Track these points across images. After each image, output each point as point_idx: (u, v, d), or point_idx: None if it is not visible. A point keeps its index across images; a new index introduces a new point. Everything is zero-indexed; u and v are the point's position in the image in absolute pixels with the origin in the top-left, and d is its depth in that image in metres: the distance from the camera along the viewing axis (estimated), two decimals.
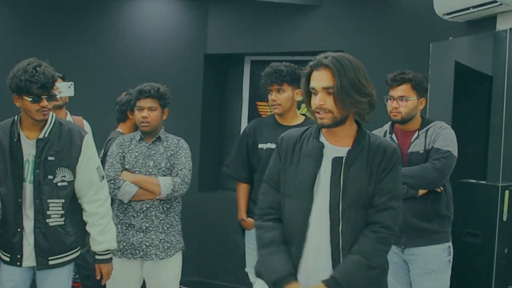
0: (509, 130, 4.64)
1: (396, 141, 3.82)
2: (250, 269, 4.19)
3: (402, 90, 3.80)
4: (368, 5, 5.79)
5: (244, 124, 6.90)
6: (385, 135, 3.90)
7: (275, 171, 2.76)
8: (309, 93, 2.63)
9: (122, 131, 4.56)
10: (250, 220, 4.13)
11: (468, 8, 4.51)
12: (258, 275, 2.79)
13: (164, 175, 3.94)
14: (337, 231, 2.58)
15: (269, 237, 2.69)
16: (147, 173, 3.93)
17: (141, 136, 4.02)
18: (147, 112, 3.94)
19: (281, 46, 6.33)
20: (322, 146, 2.65)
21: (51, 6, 6.40)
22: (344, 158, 2.60)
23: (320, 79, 2.55)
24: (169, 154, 3.99)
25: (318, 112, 2.57)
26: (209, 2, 6.60)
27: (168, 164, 3.97)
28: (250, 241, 4.16)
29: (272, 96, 4.08)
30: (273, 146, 4.00)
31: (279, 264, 2.62)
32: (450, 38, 5.02)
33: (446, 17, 4.80)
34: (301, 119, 4.17)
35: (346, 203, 2.57)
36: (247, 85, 6.94)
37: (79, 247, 3.50)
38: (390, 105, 3.84)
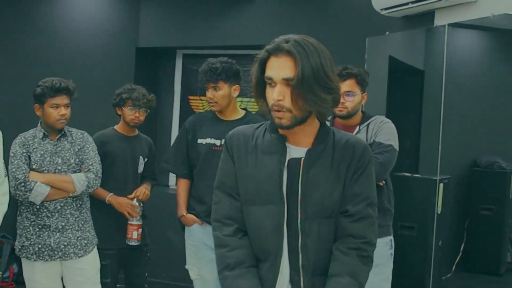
0: (446, 124, 4.72)
1: None
2: (190, 266, 4.11)
3: (348, 85, 3.78)
4: None
5: (175, 118, 6.83)
6: None
7: (227, 174, 2.30)
8: (261, 83, 2.18)
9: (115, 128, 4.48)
10: (190, 216, 4.05)
11: (407, 4, 4.56)
12: None
13: (74, 172, 3.85)
14: (296, 247, 2.17)
15: (234, 257, 2.21)
16: (56, 171, 3.80)
17: (44, 133, 3.87)
18: (64, 109, 3.84)
19: (213, 40, 6.24)
20: (283, 138, 2.22)
21: None
22: (302, 159, 2.18)
23: (280, 68, 2.09)
24: (76, 149, 3.90)
25: (276, 110, 2.12)
26: None
27: (77, 160, 3.88)
28: (190, 237, 4.09)
29: (209, 94, 4.01)
30: (213, 141, 3.99)
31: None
32: (387, 33, 5.07)
33: (383, 12, 4.84)
34: (241, 113, 4.11)
35: (306, 213, 2.16)
36: (179, 79, 6.83)
37: None
38: None
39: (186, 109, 6.74)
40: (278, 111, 2.11)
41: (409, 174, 5.28)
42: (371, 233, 2.21)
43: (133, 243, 4.24)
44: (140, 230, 4.26)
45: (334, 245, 2.20)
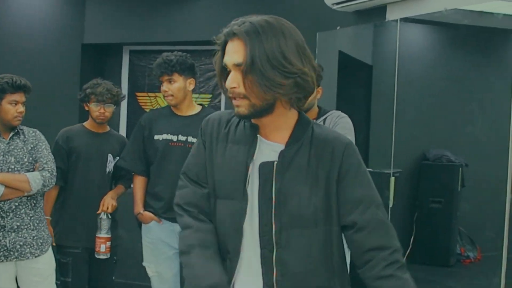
0: (396, 118, 4.77)
1: None
2: (147, 263, 4.10)
3: None
4: None
5: (123, 115, 6.73)
6: None
7: (196, 160, 2.12)
8: (224, 70, 1.98)
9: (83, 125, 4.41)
10: (147, 213, 4.02)
11: None
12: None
13: (28, 170, 3.78)
14: (270, 259, 1.94)
15: (198, 239, 2.02)
16: (10, 170, 3.73)
17: None
18: (22, 107, 3.79)
19: (160, 35, 6.19)
20: (256, 128, 2.01)
21: None
22: (275, 164, 1.96)
23: (233, 52, 1.90)
24: (29, 148, 3.83)
25: (234, 98, 1.93)
26: None
27: (31, 159, 3.81)
28: (148, 235, 4.07)
29: (164, 87, 4.00)
30: (169, 137, 3.98)
31: (212, 269, 1.96)
32: (338, 27, 5.09)
33: (335, 7, 4.85)
34: (197, 109, 4.10)
35: (282, 222, 1.93)
36: (126, 76, 6.72)
37: None
38: None
39: (133, 106, 6.67)
40: (235, 98, 1.93)
41: None
42: (393, 239, 1.97)
43: (102, 257, 4.10)
44: (108, 243, 4.10)
45: (366, 274, 1.97)
